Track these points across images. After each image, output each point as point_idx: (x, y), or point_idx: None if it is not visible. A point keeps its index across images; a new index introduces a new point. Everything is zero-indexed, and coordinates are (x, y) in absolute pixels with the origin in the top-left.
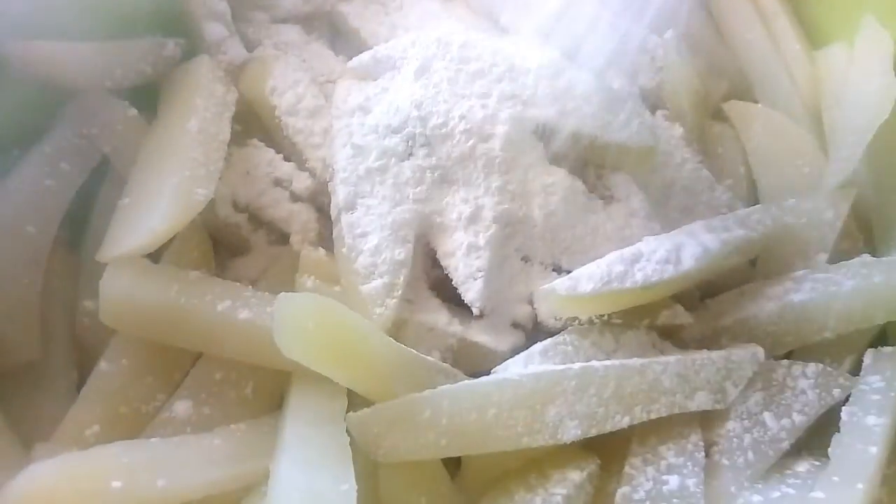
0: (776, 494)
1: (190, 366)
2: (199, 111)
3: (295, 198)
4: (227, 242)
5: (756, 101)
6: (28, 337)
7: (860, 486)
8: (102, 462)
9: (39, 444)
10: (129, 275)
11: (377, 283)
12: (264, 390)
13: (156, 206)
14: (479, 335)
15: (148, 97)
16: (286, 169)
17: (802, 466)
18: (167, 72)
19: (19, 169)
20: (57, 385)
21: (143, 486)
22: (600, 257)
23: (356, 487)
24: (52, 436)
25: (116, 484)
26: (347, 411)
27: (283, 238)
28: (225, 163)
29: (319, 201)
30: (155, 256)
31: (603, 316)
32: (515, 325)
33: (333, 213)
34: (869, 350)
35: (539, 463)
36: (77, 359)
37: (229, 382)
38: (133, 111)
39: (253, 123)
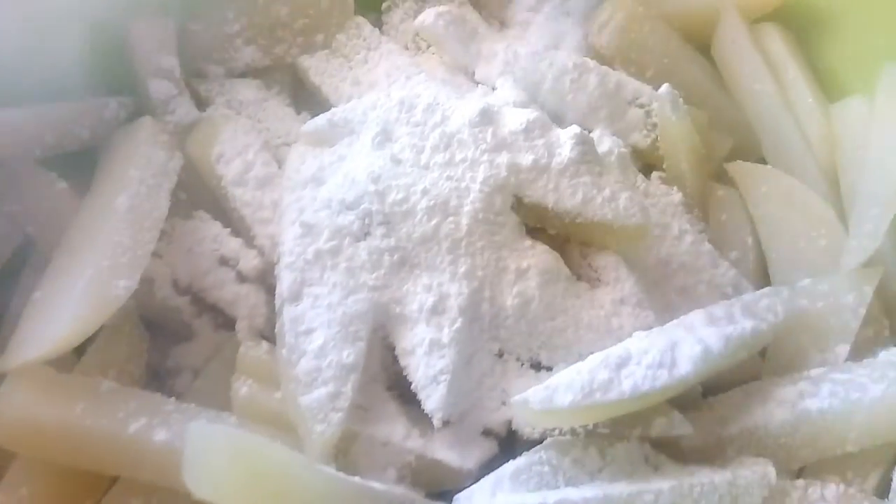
0: None
1: (103, 492)
2: (133, 184)
3: (242, 278)
4: (169, 327)
5: (764, 162)
6: None
7: None
8: None
9: None
10: (28, 389)
11: (320, 392)
12: None
13: (66, 305)
14: (442, 451)
15: (88, 164)
16: (233, 246)
17: None
18: (108, 135)
19: None
20: None
21: None
22: (585, 351)
23: None
24: None
25: None
26: None
27: (230, 322)
28: (166, 239)
29: (269, 282)
30: (79, 349)
31: (587, 425)
32: (487, 433)
33: (277, 303)
34: None
35: None
36: None
37: None
38: (62, 184)
39: (200, 192)
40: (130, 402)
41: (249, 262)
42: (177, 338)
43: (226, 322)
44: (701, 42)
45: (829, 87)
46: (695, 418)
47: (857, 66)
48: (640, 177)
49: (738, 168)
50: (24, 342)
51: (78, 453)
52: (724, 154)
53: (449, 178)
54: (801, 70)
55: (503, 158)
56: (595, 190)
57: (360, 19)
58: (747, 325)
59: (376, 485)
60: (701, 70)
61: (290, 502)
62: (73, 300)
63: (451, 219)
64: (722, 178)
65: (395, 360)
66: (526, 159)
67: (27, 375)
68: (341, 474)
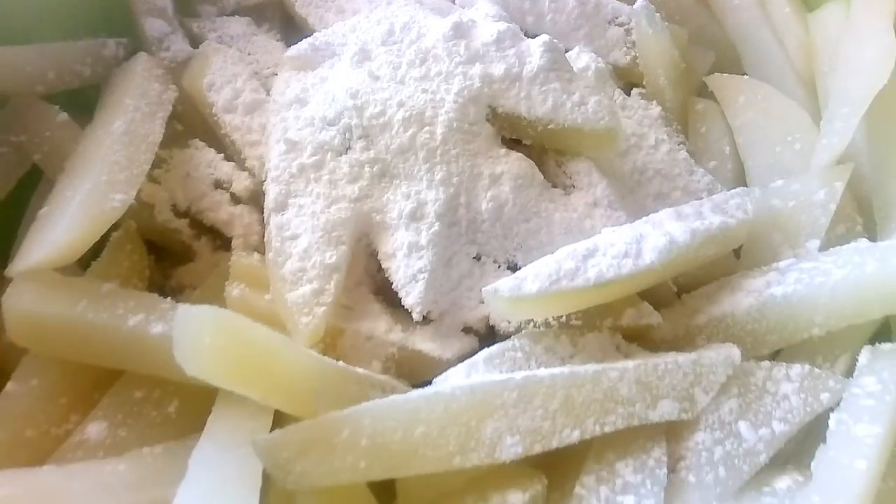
0: None
1: (109, 385)
2: (129, 111)
3: (236, 200)
4: (171, 249)
5: (744, 73)
6: None
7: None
8: None
9: None
10: (33, 289)
11: (305, 289)
12: (189, 409)
13: (65, 217)
14: (423, 342)
15: (85, 100)
16: (226, 169)
17: (783, 482)
18: (107, 73)
19: None
20: None
21: None
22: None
23: None
24: None
25: None
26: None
27: (227, 243)
28: (164, 166)
29: (261, 203)
30: (82, 268)
31: (561, 317)
32: (467, 330)
33: (265, 215)
34: (865, 347)
35: (480, 484)
36: None
37: (151, 401)
38: (64, 116)
39: (195, 122)
40: (129, 300)
41: (241, 183)
42: (178, 259)
43: (224, 244)
44: None
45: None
46: (667, 313)
47: None
48: (619, 92)
49: (717, 80)
50: (29, 250)
51: (81, 347)
52: (705, 69)
53: (424, 90)
54: None
55: (476, 70)
56: (565, 95)
57: None
58: (715, 220)
59: (359, 370)
60: None
61: (277, 378)
62: (73, 211)
63: (426, 129)
64: (703, 93)
65: (378, 267)
66: (498, 69)
67: (33, 277)
68: (326, 357)
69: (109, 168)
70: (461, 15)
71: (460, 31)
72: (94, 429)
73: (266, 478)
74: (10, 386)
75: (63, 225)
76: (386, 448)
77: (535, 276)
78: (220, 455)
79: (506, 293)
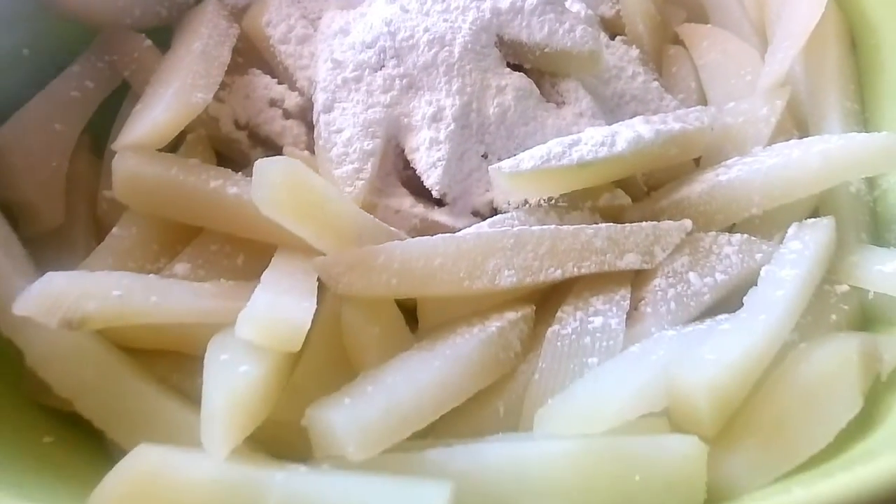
0: (688, 329)
1: (190, 239)
2: (204, 37)
3: (287, 115)
4: (231, 157)
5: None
6: (55, 207)
7: (762, 316)
8: (107, 278)
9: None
10: (136, 157)
11: (347, 167)
12: (252, 261)
13: (160, 105)
14: (441, 216)
15: (164, 36)
16: (279, 90)
17: (720, 317)
18: (180, 15)
19: (53, 83)
20: (77, 248)
21: (137, 298)
22: None
23: (316, 307)
24: None
25: (116, 293)
26: None
27: (279, 152)
28: (227, 89)
29: (308, 117)
30: None
31: (550, 200)
32: (475, 213)
33: (315, 116)
34: (794, 223)
35: (483, 307)
36: (96, 235)
37: (223, 253)
38: (148, 42)
39: (252, 56)
40: (210, 170)
41: (292, 100)
42: (237, 166)
43: (276, 153)
44: None
45: None
46: (637, 205)
47: None
48: (605, 36)
49: (686, 28)
50: (132, 128)
51: (172, 205)
52: (678, 22)
53: (445, 20)
54: None
55: (487, 4)
56: (557, 24)
57: None
58: (676, 125)
59: (385, 224)
60: None
61: (328, 219)
62: (168, 100)
63: (446, 48)
64: (675, 42)
65: (405, 165)
66: (504, 3)
67: (136, 147)
68: (363, 211)
69: (193, 75)
70: None
71: None
72: (181, 268)
73: (321, 289)
74: (115, 230)
75: (161, 108)
76: (412, 271)
77: (530, 156)
78: (286, 271)
79: (506, 169)
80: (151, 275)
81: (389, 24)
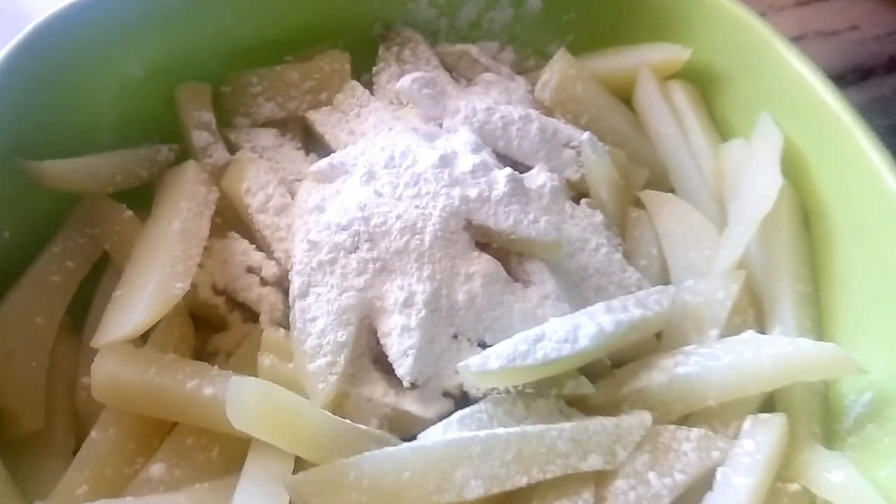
0: None
1: (167, 433)
2: (183, 213)
3: (264, 283)
4: (209, 320)
5: (672, 189)
6: (35, 411)
7: None
8: None
9: (38, 502)
10: (115, 359)
11: (321, 361)
12: (227, 454)
13: (140, 300)
14: (411, 405)
15: (143, 196)
16: (257, 258)
17: None
18: (161, 174)
19: (31, 268)
20: (56, 451)
21: None
22: (517, 333)
23: None
24: (49, 494)
25: None
26: (295, 472)
27: (255, 316)
28: (206, 253)
29: (284, 286)
30: (145, 336)
31: (518, 386)
32: (446, 394)
33: (290, 300)
34: (749, 416)
35: None
36: (75, 427)
37: (198, 447)
38: (129, 213)
39: (232, 217)
40: (187, 367)
41: (270, 270)
42: (215, 328)
43: (252, 317)
44: (624, 95)
45: (723, 131)
46: (602, 384)
47: (743, 115)
48: (570, 203)
49: (647, 195)
50: (112, 326)
51: (149, 404)
52: (642, 183)
53: (416, 206)
54: (699, 117)
55: (456, 192)
56: (522, 214)
57: (355, 83)
58: (637, 312)
59: (362, 426)
60: (623, 117)
61: (302, 433)
62: (146, 296)
63: (417, 236)
64: (638, 203)
65: (377, 341)
66: (473, 192)
67: (115, 349)
68: (336, 416)
69: (171, 262)
70: (447, 146)
71: (445, 161)
72: (156, 469)
73: None
74: (93, 434)
75: (140, 308)
76: (381, 488)
77: (497, 355)
78: (258, 489)
79: (474, 368)
80: (128, 498)
81: (364, 209)
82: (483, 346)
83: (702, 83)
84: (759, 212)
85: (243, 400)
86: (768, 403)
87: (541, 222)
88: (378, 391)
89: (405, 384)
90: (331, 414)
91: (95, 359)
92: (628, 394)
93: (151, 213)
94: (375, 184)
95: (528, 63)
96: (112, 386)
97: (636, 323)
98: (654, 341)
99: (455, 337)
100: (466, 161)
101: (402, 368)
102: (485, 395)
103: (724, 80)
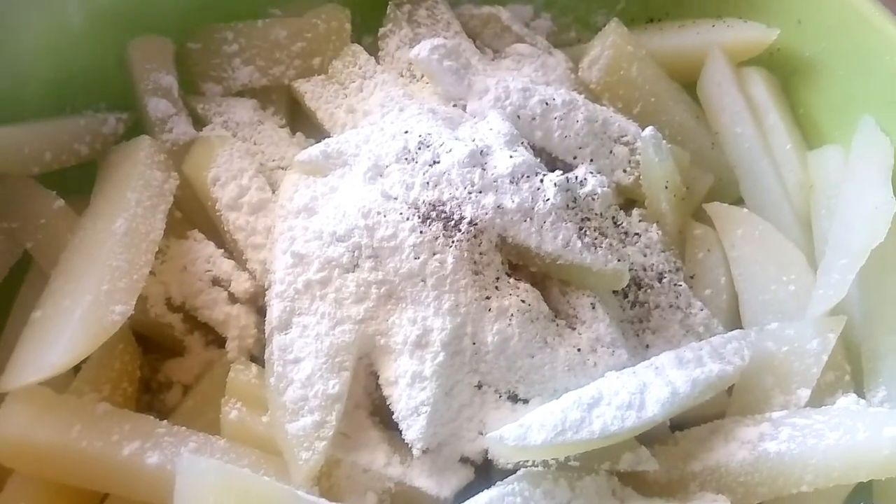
0: None
1: None
2: (130, 207)
3: (234, 299)
4: (161, 343)
5: (742, 200)
6: None
7: None
8: None
9: None
10: (28, 411)
11: (306, 420)
12: None
13: (65, 328)
14: (420, 478)
15: (80, 179)
16: (226, 267)
17: None
18: (105, 151)
19: None
20: None
21: None
22: (560, 387)
23: None
24: None
25: None
26: None
27: (220, 339)
28: (160, 257)
29: (259, 304)
30: (75, 367)
31: (559, 458)
32: (464, 461)
33: (267, 330)
34: None
35: None
36: None
37: None
38: (60, 203)
39: (195, 211)
40: (125, 424)
41: (241, 284)
42: (168, 353)
43: (216, 339)
44: (687, 80)
45: (808, 134)
46: (661, 452)
47: (837, 115)
48: (622, 213)
49: (716, 209)
50: (24, 364)
51: (73, 472)
52: (704, 191)
53: (437, 216)
54: (783, 116)
55: (489, 200)
56: (576, 235)
57: (357, 47)
58: (714, 367)
59: None
60: (686, 109)
61: None
62: (72, 325)
63: (437, 256)
64: (700, 214)
65: (377, 386)
66: (511, 202)
67: (26, 396)
68: (323, 500)
69: (110, 275)
70: (476, 137)
71: (476, 159)
72: None
73: None
74: None
75: (62, 341)
76: None
77: (540, 426)
78: None
79: (511, 442)
80: None
81: (367, 216)
82: (514, 399)
83: (784, 73)
84: (868, 243)
85: (197, 489)
86: (862, 487)
87: (600, 246)
88: (378, 459)
89: (415, 453)
90: (315, 498)
91: (1, 408)
92: (700, 471)
93: (90, 203)
94: (383, 182)
95: (568, 34)
96: (22, 447)
97: (713, 381)
98: (724, 397)
99: (479, 386)
100: (504, 160)
101: (412, 432)
102: (516, 467)
103: (814, 71)
